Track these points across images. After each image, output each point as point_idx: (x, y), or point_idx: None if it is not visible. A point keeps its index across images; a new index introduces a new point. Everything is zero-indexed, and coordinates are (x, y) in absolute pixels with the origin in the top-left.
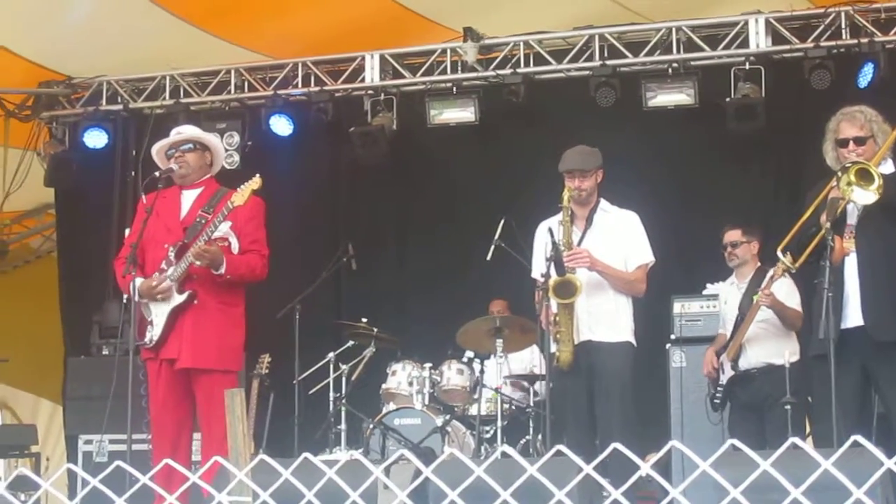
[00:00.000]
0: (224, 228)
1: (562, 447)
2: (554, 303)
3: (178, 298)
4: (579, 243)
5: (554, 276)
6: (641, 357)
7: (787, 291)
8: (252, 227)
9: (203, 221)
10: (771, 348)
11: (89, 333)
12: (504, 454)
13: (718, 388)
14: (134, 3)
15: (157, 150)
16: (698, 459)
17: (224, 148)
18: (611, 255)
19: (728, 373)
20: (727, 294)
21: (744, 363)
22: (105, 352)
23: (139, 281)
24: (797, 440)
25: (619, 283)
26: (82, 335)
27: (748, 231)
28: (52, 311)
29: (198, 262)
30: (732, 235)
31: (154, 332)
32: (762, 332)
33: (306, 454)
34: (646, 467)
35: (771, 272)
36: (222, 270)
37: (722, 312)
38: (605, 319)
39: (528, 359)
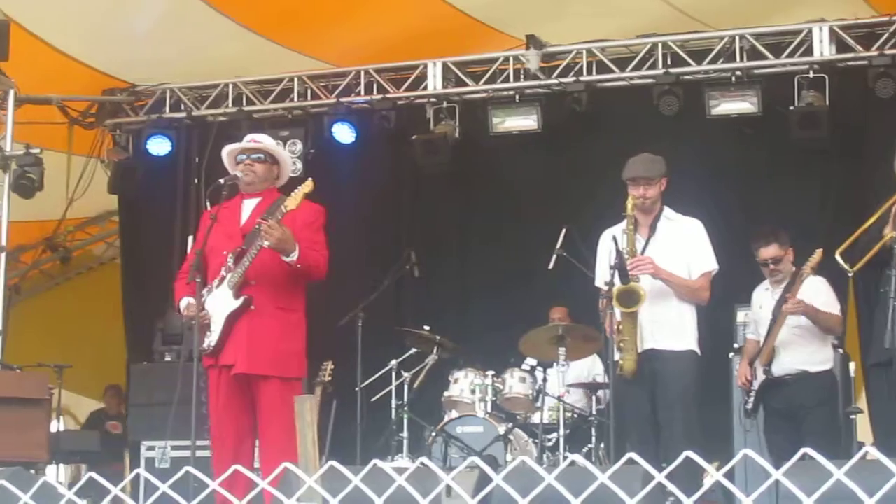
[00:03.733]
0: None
1: (634, 455)
2: (618, 311)
3: (235, 304)
4: (643, 251)
5: (618, 285)
6: (704, 365)
7: (823, 296)
8: (310, 232)
9: (261, 228)
10: (805, 355)
11: (152, 340)
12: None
13: (750, 394)
14: (198, 11)
15: (228, 152)
16: (771, 468)
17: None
18: (674, 262)
19: (760, 378)
20: (762, 299)
21: (777, 369)
22: (168, 358)
23: (186, 301)
24: (870, 448)
25: (683, 291)
26: (145, 342)
27: (783, 242)
28: (114, 318)
29: (266, 243)
30: (771, 251)
31: (211, 339)
32: (796, 337)
33: (376, 461)
34: (718, 475)
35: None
36: (294, 257)
37: (756, 317)
38: (669, 328)
39: (591, 367)
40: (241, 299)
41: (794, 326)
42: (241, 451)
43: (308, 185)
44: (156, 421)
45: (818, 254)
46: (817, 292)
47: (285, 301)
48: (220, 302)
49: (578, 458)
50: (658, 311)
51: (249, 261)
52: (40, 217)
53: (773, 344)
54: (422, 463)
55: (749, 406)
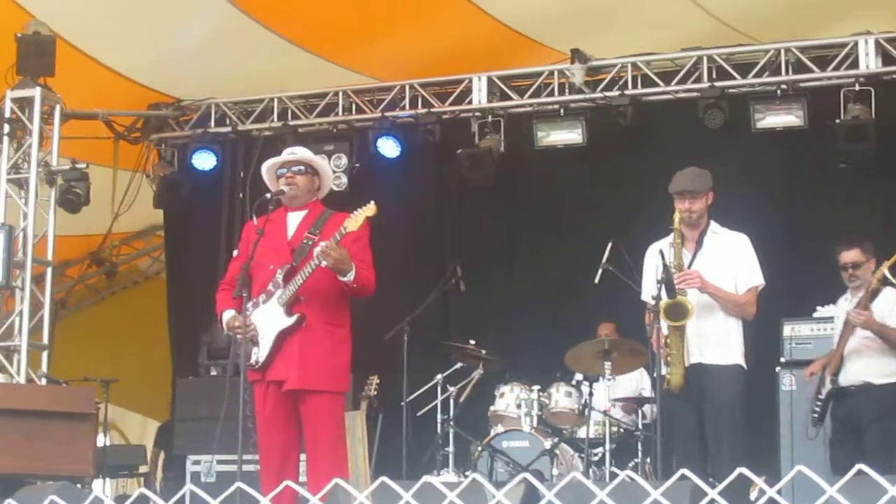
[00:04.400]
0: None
1: (686, 472)
2: (665, 325)
3: (287, 321)
4: (689, 265)
5: (665, 299)
6: (751, 380)
7: (890, 308)
8: (358, 248)
9: (310, 243)
10: (871, 366)
11: (197, 354)
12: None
13: (818, 403)
14: (244, 26)
15: (268, 167)
16: (825, 484)
17: (332, 170)
18: (721, 277)
19: (828, 387)
20: (841, 311)
21: (843, 379)
22: (213, 372)
23: (231, 314)
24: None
25: (730, 306)
26: (190, 356)
27: (867, 249)
28: (159, 332)
29: (323, 263)
30: (852, 255)
31: (260, 354)
32: (865, 348)
33: (427, 477)
34: (772, 492)
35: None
36: (351, 276)
37: (836, 330)
38: (716, 342)
39: (637, 381)
40: (295, 317)
41: (865, 337)
42: (288, 466)
43: (371, 209)
44: (201, 435)
45: (886, 265)
46: (885, 302)
47: (334, 317)
48: (269, 318)
49: (631, 475)
50: (705, 325)
51: (303, 279)
52: (86, 232)
53: (841, 353)
54: (474, 478)
55: (815, 415)
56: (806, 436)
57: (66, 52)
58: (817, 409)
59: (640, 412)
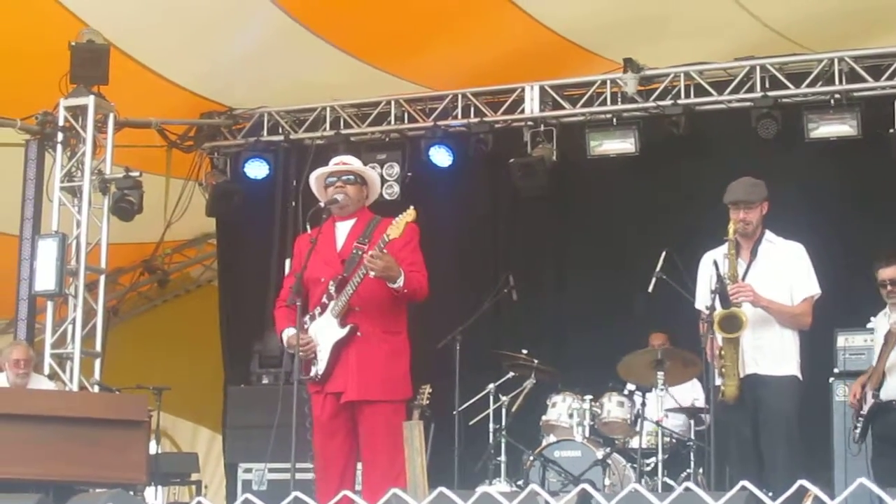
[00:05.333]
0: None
1: (747, 484)
2: (719, 336)
3: (341, 332)
4: (744, 276)
5: (719, 309)
6: (805, 390)
7: None
8: (408, 252)
9: (360, 253)
10: None
11: (249, 362)
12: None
13: (860, 418)
14: (297, 35)
15: (317, 176)
16: (888, 498)
17: (384, 179)
18: (776, 287)
19: (870, 402)
20: (881, 326)
21: (884, 393)
22: (265, 381)
23: (291, 332)
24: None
25: (784, 318)
26: (242, 364)
27: None
28: (211, 340)
29: (372, 273)
30: (889, 272)
31: (319, 367)
32: None
33: (486, 488)
34: None
35: None
36: (400, 283)
37: (877, 344)
38: (771, 353)
39: (690, 391)
40: (348, 328)
41: None
42: (346, 475)
43: (410, 214)
44: (252, 443)
45: None
46: None
47: (390, 324)
48: (325, 330)
49: (693, 486)
50: (760, 336)
51: (353, 289)
52: (138, 240)
53: (882, 368)
54: (532, 488)
55: (858, 431)
56: (849, 451)
57: (119, 61)
58: (859, 424)
59: (692, 422)
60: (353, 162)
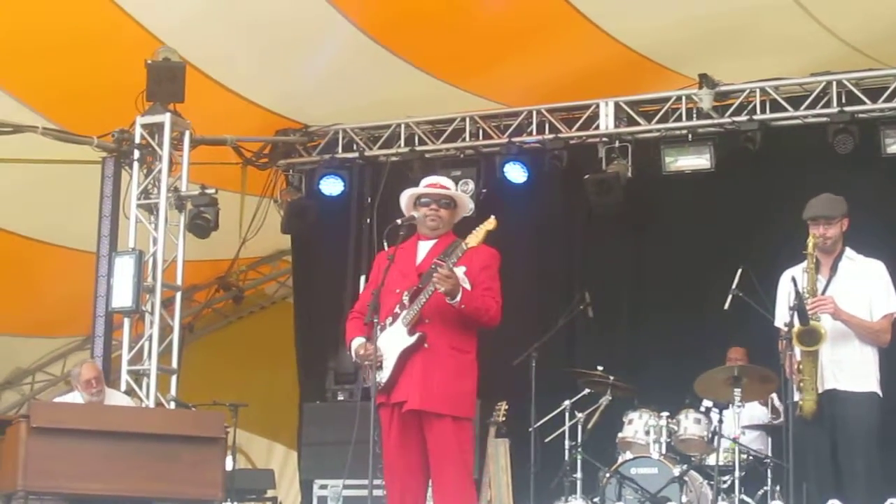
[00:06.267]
0: (458, 273)
1: (837, 502)
2: (798, 351)
3: (409, 340)
4: (824, 291)
5: (797, 325)
6: (885, 407)
7: None
8: (486, 276)
9: (437, 268)
10: None
11: (324, 379)
12: None
13: None
14: (372, 53)
15: (410, 196)
16: None
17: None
18: (856, 303)
19: None
20: None
21: None
22: (340, 397)
23: (360, 341)
24: None
25: (863, 333)
26: (317, 381)
27: None
28: (285, 357)
29: (441, 288)
30: None
31: (383, 375)
32: None
33: None
34: None
35: None
36: (458, 299)
37: None
38: (851, 368)
39: (767, 408)
40: (416, 336)
41: None
42: (416, 491)
43: (491, 223)
44: (328, 459)
45: None
46: None
47: (458, 341)
48: (394, 339)
49: None
50: (840, 351)
51: (426, 299)
52: (214, 257)
53: None
54: None
55: None
56: None
57: (194, 79)
58: None
59: (769, 440)
60: (449, 185)
